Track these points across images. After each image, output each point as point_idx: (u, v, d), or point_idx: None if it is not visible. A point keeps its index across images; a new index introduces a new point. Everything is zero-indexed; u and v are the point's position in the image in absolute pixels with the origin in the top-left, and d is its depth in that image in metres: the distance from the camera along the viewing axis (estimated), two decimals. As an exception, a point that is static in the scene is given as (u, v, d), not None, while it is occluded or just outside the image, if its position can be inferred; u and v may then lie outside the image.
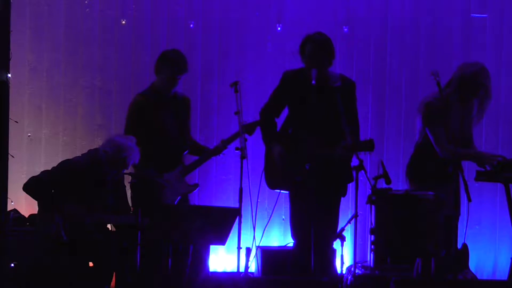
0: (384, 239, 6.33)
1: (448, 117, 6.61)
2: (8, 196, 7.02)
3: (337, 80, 6.57)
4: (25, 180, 6.59)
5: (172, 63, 7.03)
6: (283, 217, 8.06)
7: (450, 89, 6.73)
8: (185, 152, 7.19)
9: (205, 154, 7.19)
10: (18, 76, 8.08)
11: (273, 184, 6.69)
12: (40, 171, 6.69)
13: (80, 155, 6.78)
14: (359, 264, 7.20)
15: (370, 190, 6.42)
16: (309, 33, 6.59)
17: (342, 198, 6.65)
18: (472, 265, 6.90)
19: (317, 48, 6.49)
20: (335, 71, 6.66)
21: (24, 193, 6.58)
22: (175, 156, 7.11)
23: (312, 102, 6.37)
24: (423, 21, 8.64)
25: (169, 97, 7.10)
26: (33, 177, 6.58)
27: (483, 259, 8.56)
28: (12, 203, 7.56)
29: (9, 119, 6.73)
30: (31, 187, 6.52)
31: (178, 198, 7.05)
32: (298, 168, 6.44)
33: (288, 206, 6.70)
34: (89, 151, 6.72)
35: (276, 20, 8.53)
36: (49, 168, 6.65)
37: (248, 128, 6.89)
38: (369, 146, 6.32)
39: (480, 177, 6.82)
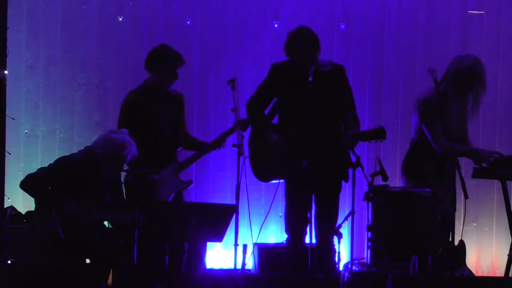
0: (381, 236, 6.33)
1: (444, 113, 6.60)
2: (5, 193, 7.02)
3: (326, 65, 6.56)
4: (22, 177, 6.58)
5: (169, 59, 7.01)
6: (280, 214, 8.05)
7: (446, 84, 6.72)
8: (179, 149, 7.18)
9: (203, 147, 7.16)
10: (15, 73, 8.08)
11: (268, 175, 6.65)
12: (37, 168, 6.69)
13: (77, 152, 6.77)
14: (356, 261, 7.22)
15: (367, 187, 6.42)
16: (291, 29, 6.57)
17: (339, 195, 6.64)
18: (469, 262, 6.90)
19: (309, 44, 6.47)
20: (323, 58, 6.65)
21: (21, 190, 6.57)
22: (168, 153, 7.09)
23: (308, 95, 6.34)
24: (421, 18, 8.64)
25: (162, 94, 7.09)
26: (30, 174, 6.57)
27: (480, 256, 8.57)
28: (9, 200, 7.55)
29: (6, 116, 6.73)
30: (28, 185, 6.50)
31: (172, 195, 7.04)
32: (296, 159, 6.41)
33: (285, 202, 6.69)
34: (86, 148, 6.71)
35: (273, 17, 8.53)
36: (46, 165, 6.64)
37: (242, 124, 6.86)
38: (380, 134, 6.28)
39: (477, 174, 6.82)
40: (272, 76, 6.66)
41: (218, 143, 7.15)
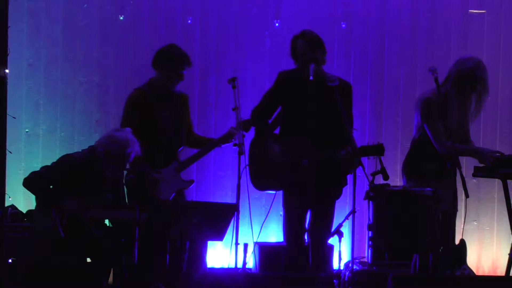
0: (382, 235, 6.33)
1: (446, 113, 6.61)
2: (6, 192, 7.02)
3: (335, 80, 6.53)
4: (22, 176, 6.59)
5: (177, 60, 7.00)
6: (281, 213, 8.05)
7: (448, 85, 6.74)
8: (180, 149, 7.18)
9: (210, 143, 7.14)
10: (16, 71, 8.07)
11: (264, 184, 6.62)
12: (38, 167, 6.69)
13: (81, 150, 6.78)
14: (357, 260, 7.23)
15: (368, 186, 6.42)
16: (295, 34, 6.59)
17: (337, 199, 6.64)
18: (470, 261, 6.90)
19: (309, 42, 6.48)
20: (331, 73, 6.64)
21: (22, 189, 6.58)
22: (170, 152, 7.09)
23: (310, 99, 6.34)
24: (422, 17, 8.64)
25: (166, 94, 7.09)
26: (34, 172, 6.57)
27: (481, 255, 8.57)
28: (10, 198, 7.55)
29: (7, 115, 6.73)
30: (30, 182, 6.50)
31: (173, 194, 7.04)
32: (297, 165, 6.41)
33: (283, 212, 6.66)
34: (90, 147, 6.72)
35: (274, 16, 8.53)
36: (48, 164, 6.64)
37: (244, 125, 6.85)
38: (378, 150, 6.29)
39: (478, 173, 6.83)
40: (278, 84, 6.63)
41: (230, 136, 7.07)
